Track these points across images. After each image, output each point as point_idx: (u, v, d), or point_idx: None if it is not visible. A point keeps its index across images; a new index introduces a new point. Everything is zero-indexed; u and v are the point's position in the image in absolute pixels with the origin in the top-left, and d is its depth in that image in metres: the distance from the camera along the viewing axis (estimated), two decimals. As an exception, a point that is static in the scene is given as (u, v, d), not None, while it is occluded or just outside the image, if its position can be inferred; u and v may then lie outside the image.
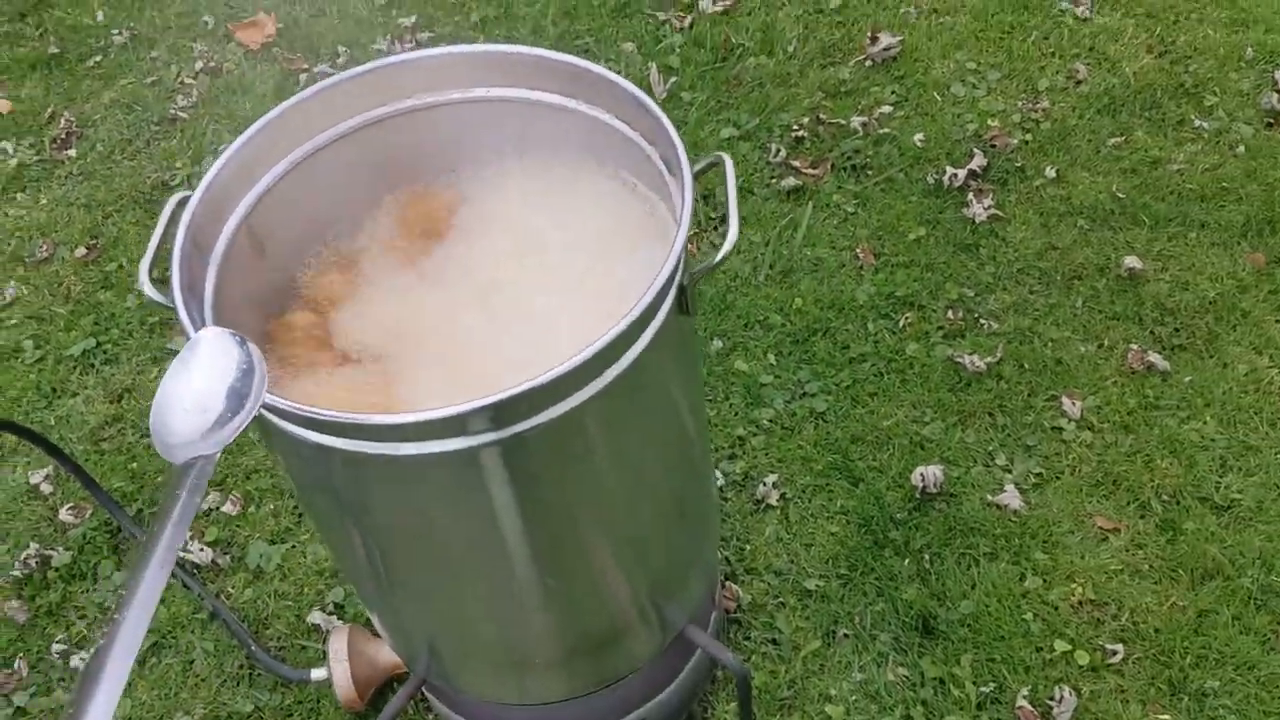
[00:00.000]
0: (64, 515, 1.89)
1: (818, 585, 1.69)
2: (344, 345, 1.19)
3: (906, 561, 1.69)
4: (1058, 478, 1.77)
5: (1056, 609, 1.63)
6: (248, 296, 1.17)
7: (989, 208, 2.09)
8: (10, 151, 2.53)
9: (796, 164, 2.23)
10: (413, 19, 2.64)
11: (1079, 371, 1.88)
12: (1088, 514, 1.73)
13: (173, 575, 1.81)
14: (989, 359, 1.89)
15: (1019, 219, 2.10)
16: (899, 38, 2.41)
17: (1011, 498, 1.74)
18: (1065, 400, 1.84)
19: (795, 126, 2.30)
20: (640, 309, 0.96)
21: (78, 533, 1.87)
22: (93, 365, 2.11)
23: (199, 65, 2.64)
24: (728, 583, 1.69)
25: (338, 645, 1.57)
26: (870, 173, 2.21)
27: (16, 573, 1.82)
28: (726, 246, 1.04)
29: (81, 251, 2.30)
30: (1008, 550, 1.69)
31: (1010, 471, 1.78)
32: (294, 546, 1.82)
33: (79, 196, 2.42)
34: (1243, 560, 1.65)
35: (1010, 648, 1.59)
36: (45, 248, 2.32)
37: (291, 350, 1.19)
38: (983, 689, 1.56)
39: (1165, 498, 1.73)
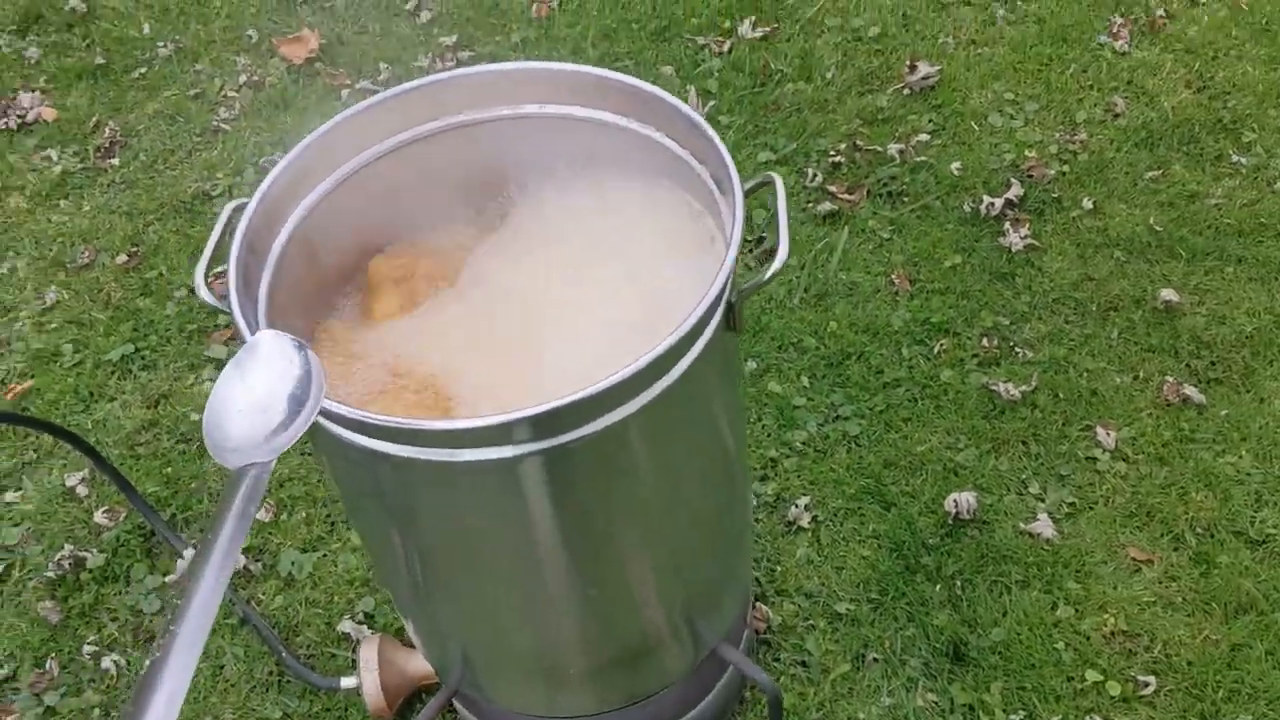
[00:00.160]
0: (99, 518, 1.91)
1: (848, 608, 1.69)
2: (388, 353, 1.20)
3: (938, 587, 1.69)
4: (1091, 508, 1.77)
5: (1088, 639, 1.63)
6: (296, 302, 1.18)
7: (1025, 237, 2.10)
8: (55, 159, 2.57)
9: (833, 189, 2.24)
10: (454, 38, 2.67)
11: (1114, 402, 1.88)
12: (1121, 545, 1.72)
13: (205, 580, 1.82)
14: (1024, 387, 1.89)
15: (1055, 249, 2.10)
16: (937, 67, 2.42)
17: (1044, 526, 1.73)
18: (1100, 430, 1.84)
19: (832, 152, 2.31)
20: (690, 324, 0.97)
21: (111, 535, 1.88)
22: (130, 371, 2.13)
23: (242, 79, 2.68)
24: (758, 603, 1.69)
25: (368, 654, 1.58)
26: (906, 199, 2.21)
27: (50, 573, 1.84)
28: (776, 264, 1.05)
29: (122, 258, 2.33)
30: (1040, 579, 1.69)
31: (1043, 500, 1.78)
32: (325, 555, 1.83)
33: (121, 204, 2.45)
34: (1276, 595, 1.64)
35: (1041, 676, 1.59)
36: (87, 254, 2.35)
37: (334, 357, 1.21)
38: (1013, 717, 1.56)
39: (1199, 530, 1.73)
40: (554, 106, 1.22)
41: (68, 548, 1.86)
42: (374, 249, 1.27)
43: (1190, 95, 2.34)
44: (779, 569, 1.74)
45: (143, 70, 2.76)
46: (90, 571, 1.84)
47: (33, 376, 2.14)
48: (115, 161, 2.55)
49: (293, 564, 1.82)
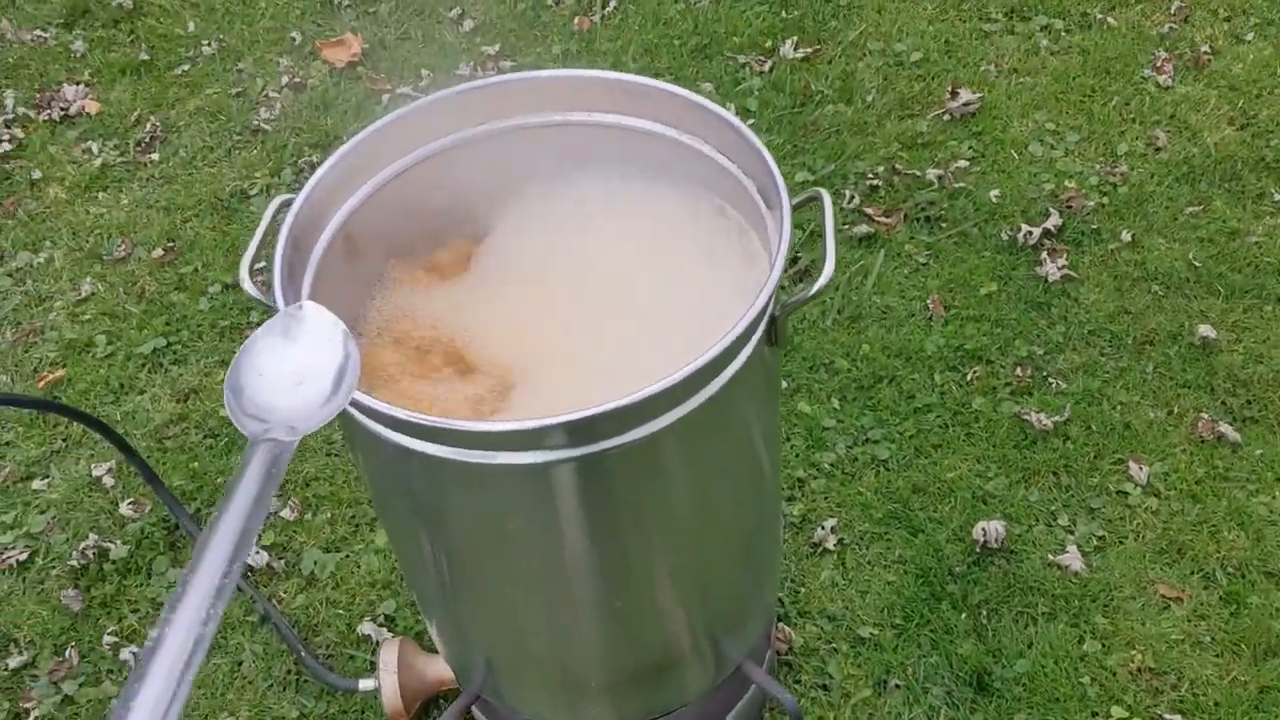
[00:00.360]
0: (124, 509, 1.91)
1: (871, 633, 1.67)
2: (426, 351, 1.20)
3: (963, 615, 1.68)
4: (1121, 542, 1.75)
5: (1115, 674, 1.61)
6: (336, 298, 1.18)
7: (1062, 267, 2.08)
8: (95, 152, 2.59)
9: (870, 212, 2.23)
10: (496, 47, 2.68)
11: (1147, 437, 1.86)
12: (1150, 581, 1.70)
13: (228, 576, 1.82)
14: (1056, 418, 1.88)
15: (1092, 281, 2.09)
16: (979, 94, 2.41)
17: (1073, 559, 1.72)
18: (1132, 465, 1.82)
19: (870, 175, 2.30)
20: (733, 336, 0.96)
21: (136, 527, 1.89)
22: (161, 364, 2.14)
23: (284, 80, 2.69)
24: (780, 624, 1.68)
25: (388, 657, 1.58)
26: (944, 225, 2.20)
27: (74, 562, 1.84)
28: (823, 280, 1.04)
29: (158, 253, 2.34)
30: (1067, 611, 1.67)
31: (1073, 532, 1.76)
32: (348, 556, 1.83)
33: (159, 199, 2.47)
34: (1308, 640, 1.62)
35: (1065, 710, 1.57)
36: (123, 247, 2.36)
37: (370, 354, 1.20)
38: (1035, 750, 1.54)
39: (1230, 570, 1.70)
40: (601, 114, 1.22)
41: (92, 537, 1.86)
42: (412, 248, 1.27)
43: (1233, 132, 2.32)
44: (803, 590, 1.73)
45: (186, 67, 2.78)
46: (113, 562, 1.84)
47: (65, 366, 2.15)
48: (155, 156, 2.57)
49: (315, 563, 1.82)
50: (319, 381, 0.83)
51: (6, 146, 2.60)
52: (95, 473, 1.97)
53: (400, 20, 2.82)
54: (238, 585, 1.79)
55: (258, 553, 1.83)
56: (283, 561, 1.83)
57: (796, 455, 1.88)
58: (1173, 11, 2.58)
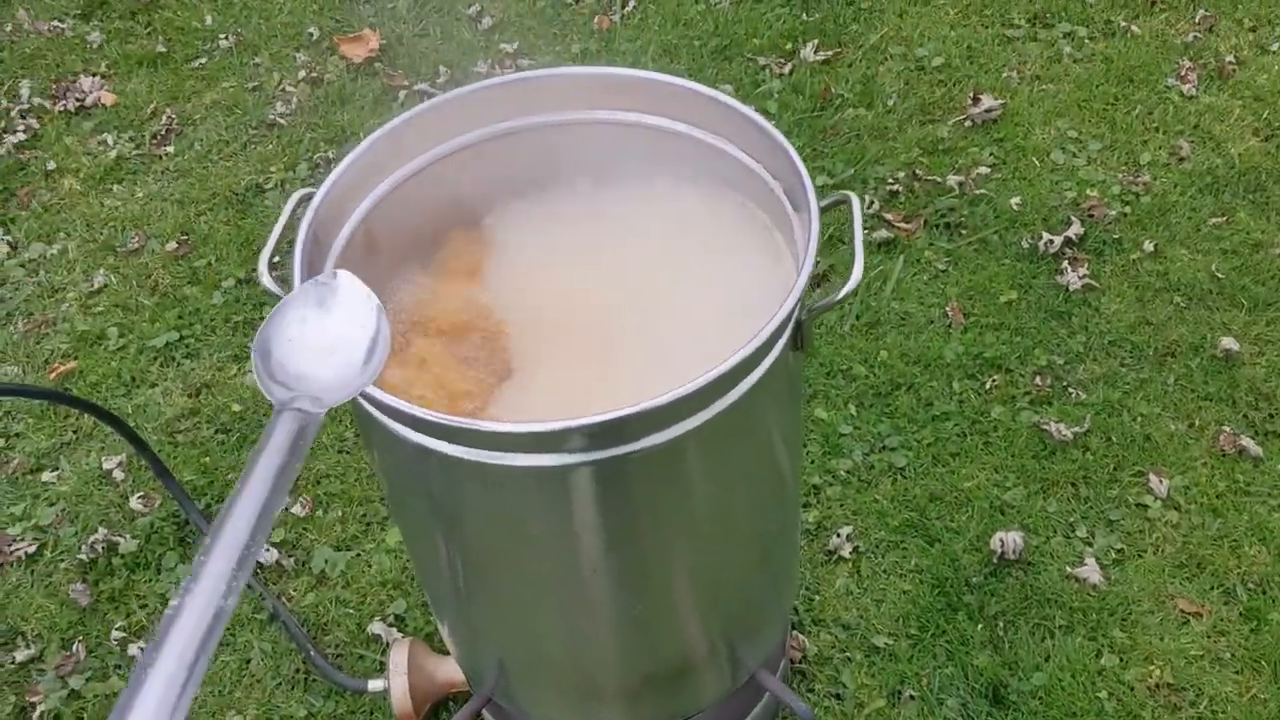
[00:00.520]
0: (134, 503, 1.90)
1: (886, 643, 1.65)
2: (445, 347, 1.19)
3: (979, 627, 1.66)
4: (1140, 555, 1.73)
5: (1132, 690, 1.58)
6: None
7: (1083, 277, 2.06)
8: (110, 143, 2.58)
9: (889, 217, 2.21)
10: (514, 45, 2.67)
11: (1167, 449, 1.84)
12: (1169, 595, 1.68)
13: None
14: (1076, 429, 1.86)
15: (1113, 290, 2.06)
16: (1001, 101, 2.39)
17: (1091, 572, 1.70)
18: (1152, 477, 1.80)
19: (890, 180, 2.28)
20: (759, 341, 0.95)
21: (145, 522, 1.87)
22: (174, 358, 2.13)
23: (301, 74, 2.68)
24: (794, 632, 1.66)
25: (398, 657, 1.56)
26: (964, 232, 2.18)
27: (83, 556, 1.83)
28: (851, 284, 1.02)
29: (172, 246, 2.33)
30: (1085, 625, 1.65)
31: (1091, 545, 1.74)
32: (359, 555, 1.81)
33: (173, 192, 2.46)
34: (1330, 658, 1.60)
35: (1083, 725, 1.55)
36: (137, 239, 2.35)
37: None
38: (1052, 765, 1.52)
39: (1251, 585, 1.68)
40: (624, 113, 1.21)
41: (101, 531, 1.85)
42: (433, 244, 1.26)
43: (1258, 143, 2.30)
44: (817, 598, 1.71)
45: (203, 60, 2.77)
46: (122, 556, 1.83)
47: (76, 358, 2.14)
48: (170, 149, 2.56)
49: (326, 561, 1.80)
50: (350, 353, 0.81)
51: (22, 137, 2.60)
52: (106, 466, 1.96)
53: (419, 17, 2.81)
54: (246, 581, 1.79)
55: (267, 550, 1.82)
56: (293, 559, 1.82)
57: (812, 461, 1.86)
58: (1197, 21, 2.56)
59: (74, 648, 1.73)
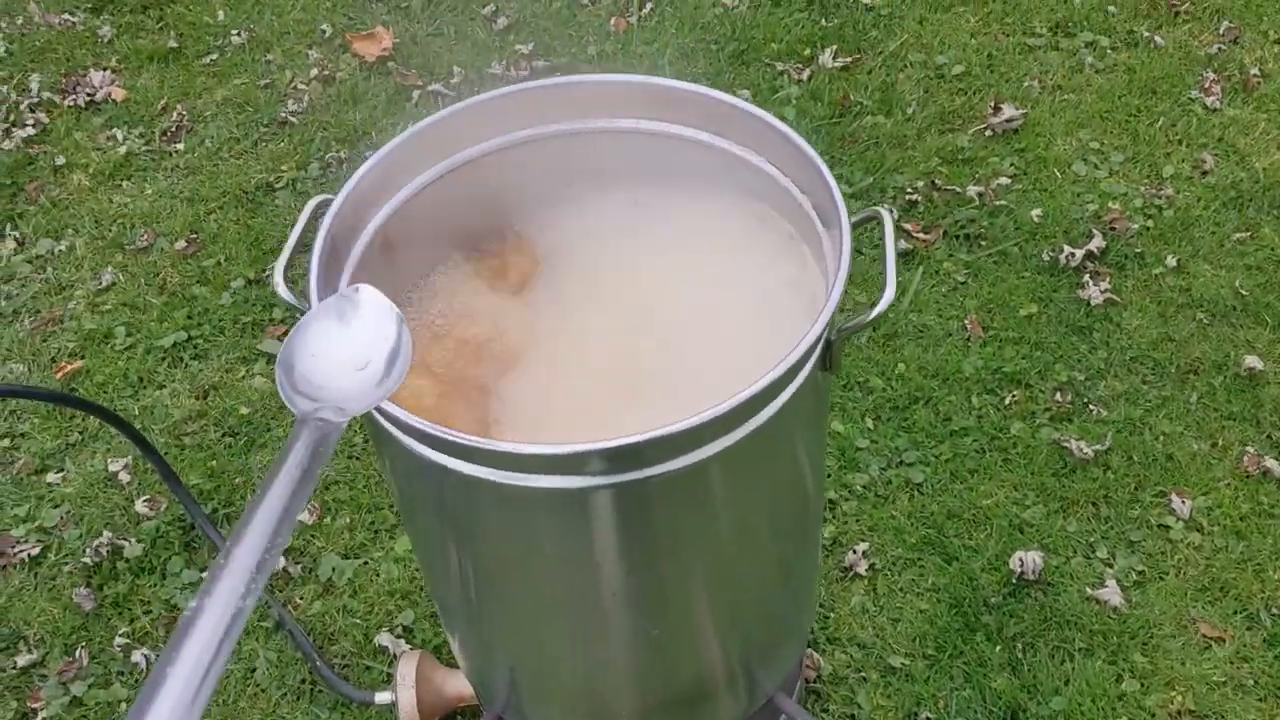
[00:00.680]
0: (139, 506, 1.88)
1: (902, 663, 1.62)
2: (461, 360, 1.16)
3: (998, 648, 1.63)
4: (1161, 578, 1.70)
5: (1153, 716, 1.56)
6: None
7: (1105, 291, 2.03)
8: (120, 139, 2.55)
9: (908, 227, 2.18)
10: (530, 46, 2.64)
11: (1190, 469, 1.81)
12: (1191, 619, 1.65)
13: (243, 579, 1.78)
14: (1097, 447, 1.83)
15: (1135, 306, 2.03)
16: (1022, 110, 2.36)
17: (1112, 594, 1.67)
18: (1174, 498, 1.77)
19: (909, 190, 2.25)
20: (787, 364, 0.92)
21: (151, 525, 1.85)
22: (181, 359, 2.10)
23: (313, 72, 2.65)
24: (809, 651, 1.63)
25: (406, 670, 1.53)
26: (984, 243, 2.15)
27: (87, 560, 1.80)
28: (882, 304, 1.00)
29: (181, 244, 2.30)
30: (1105, 648, 1.62)
31: (1112, 566, 1.71)
32: (367, 563, 1.79)
33: (183, 190, 2.43)
34: (1355, 686, 1.57)
35: (1103, 752, 1.52)
36: (146, 237, 2.33)
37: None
38: (1071, 792, 1.49)
39: (1275, 611, 1.65)
40: (650, 123, 1.18)
41: (106, 534, 1.82)
42: (450, 252, 1.23)
43: (1282, 158, 2.27)
44: (832, 616, 1.68)
45: (214, 57, 2.74)
46: (127, 561, 1.80)
47: (83, 357, 2.11)
48: (180, 146, 2.53)
49: (333, 569, 1.78)
50: (372, 364, 0.83)
51: (31, 131, 2.57)
52: (111, 468, 1.93)
53: (433, 15, 2.78)
54: (265, 585, 1.76)
55: (274, 556, 1.79)
56: (299, 566, 1.79)
57: (828, 475, 1.83)
58: (1222, 32, 2.52)
59: (77, 653, 1.71)
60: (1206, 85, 2.41)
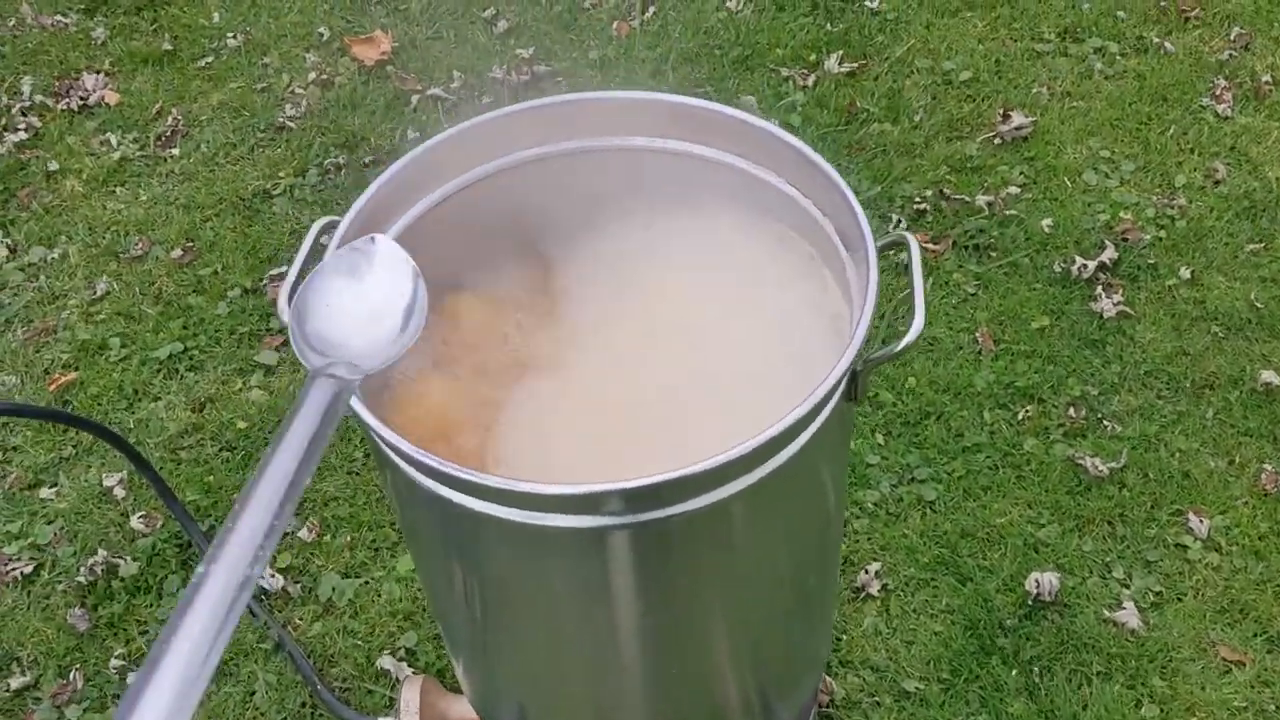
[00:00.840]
0: (135, 523, 1.84)
1: (917, 688, 1.59)
2: (469, 384, 1.12)
3: (1014, 672, 1.59)
4: (1179, 599, 1.67)
5: (1174, 742, 1.53)
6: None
7: (1118, 304, 2.00)
8: (114, 144, 2.51)
9: (917, 237, 2.14)
10: (530, 50, 2.60)
11: (1207, 487, 1.78)
12: (1211, 642, 1.62)
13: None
14: (1112, 464, 1.79)
15: (1149, 319, 2.00)
16: (1031, 118, 2.33)
17: (1130, 616, 1.63)
18: (1191, 516, 1.73)
19: (918, 199, 2.22)
20: (814, 400, 0.88)
21: (147, 543, 1.81)
22: (177, 370, 2.06)
23: (311, 76, 2.61)
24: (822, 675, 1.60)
25: (409, 695, 1.49)
26: (994, 254, 2.12)
27: (81, 578, 1.76)
28: (911, 335, 0.96)
29: (177, 253, 2.26)
30: (1123, 672, 1.59)
31: (1128, 586, 1.68)
32: (368, 583, 1.75)
33: (179, 196, 2.39)
34: (1378, 712, 1.54)
35: (1122, 780, 1.49)
36: (140, 245, 2.29)
37: (414, 384, 1.13)
38: (1090, 822, 1.46)
39: (1296, 634, 1.62)
40: (665, 141, 1.14)
41: (101, 552, 1.78)
42: (459, 275, 1.19)
43: (1295, 167, 2.24)
44: (845, 638, 1.65)
45: (209, 60, 2.70)
46: (122, 580, 1.76)
47: (77, 369, 2.07)
48: (175, 151, 2.49)
49: (333, 589, 1.74)
50: (387, 319, 0.82)
51: (23, 135, 2.53)
52: (106, 483, 1.89)
53: (432, 19, 2.74)
54: (251, 610, 1.72)
55: (272, 575, 1.75)
56: (299, 586, 1.76)
57: (839, 493, 1.79)
58: (1232, 38, 2.49)
59: (71, 675, 1.67)
60: (1218, 92, 2.37)
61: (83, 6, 2.85)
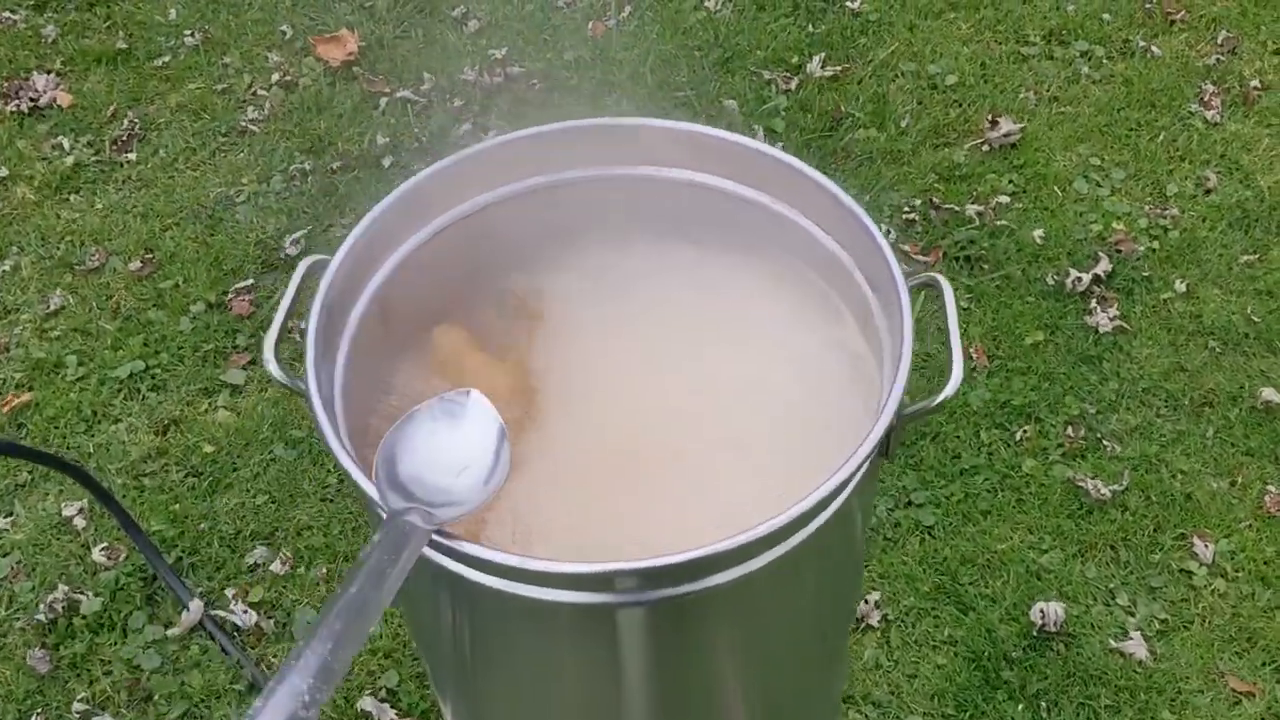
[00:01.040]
0: (96, 555, 1.74)
1: (921, 724, 1.54)
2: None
3: (1020, 707, 1.54)
4: (1186, 627, 1.62)
5: (1185, 780, 1.48)
6: (365, 377, 1.02)
7: (1114, 318, 1.95)
8: (67, 148, 2.40)
9: (906, 248, 2.09)
10: (503, 51, 2.51)
11: (1210, 510, 1.74)
12: (1220, 672, 1.58)
13: (210, 638, 1.66)
14: (1113, 486, 1.75)
15: (1145, 333, 1.96)
16: (1020, 125, 2.28)
17: (1137, 646, 1.59)
18: (1196, 541, 1.69)
19: (906, 208, 2.16)
20: (844, 474, 0.82)
21: (110, 576, 1.72)
22: (139, 390, 1.97)
23: (274, 77, 2.51)
24: (822, 711, 1.54)
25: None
26: (986, 266, 2.07)
27: (41, 616, 1.67)
28: (950, 388, 0.91)
29: (135, 265, 2.16)
30: (1132, 705, 1.54)
31: (1133, 615, 1.63)
32: (345, 617, 1.66)
33: (136, 204, 2.28)
34: (1391, 744, 1.51)
35: (1135, 820, 1.44)
36: (97, 256, 2.18)
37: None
38: None
39: (1305, 663, 1.59)
40: (677, 171, 1.08)
41: (62, 588, 1.69)
42: (452, 313, 1.11)
43: (1287, 175, 2.20)
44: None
45: (166, 59, 2.59)
46: (84, 617, 1.67)
47: (32, 389, 1.97)
48: (132, 156, 2.38)
49: (309, 624, 1.66)
50: (473, 472, 0.84)
51: (-30, 139, 2.41)
52: (66, 512, 1.80)
53: (400, 17, 2.64)
54: (223, 649, 1.64)
55: (245, 611, 1.67)
56: (272, 621, 1.67)
57: (834, 518, 1.73)
58: (1219, 42, 2.45)
59: (31, 721, 1.58)
60: (1206, 98, 2.33)
61: (32, 3, 2.73)
